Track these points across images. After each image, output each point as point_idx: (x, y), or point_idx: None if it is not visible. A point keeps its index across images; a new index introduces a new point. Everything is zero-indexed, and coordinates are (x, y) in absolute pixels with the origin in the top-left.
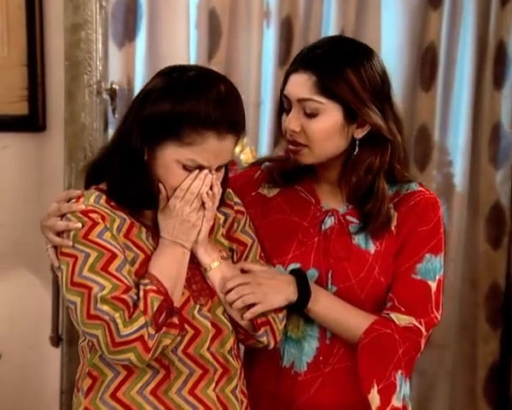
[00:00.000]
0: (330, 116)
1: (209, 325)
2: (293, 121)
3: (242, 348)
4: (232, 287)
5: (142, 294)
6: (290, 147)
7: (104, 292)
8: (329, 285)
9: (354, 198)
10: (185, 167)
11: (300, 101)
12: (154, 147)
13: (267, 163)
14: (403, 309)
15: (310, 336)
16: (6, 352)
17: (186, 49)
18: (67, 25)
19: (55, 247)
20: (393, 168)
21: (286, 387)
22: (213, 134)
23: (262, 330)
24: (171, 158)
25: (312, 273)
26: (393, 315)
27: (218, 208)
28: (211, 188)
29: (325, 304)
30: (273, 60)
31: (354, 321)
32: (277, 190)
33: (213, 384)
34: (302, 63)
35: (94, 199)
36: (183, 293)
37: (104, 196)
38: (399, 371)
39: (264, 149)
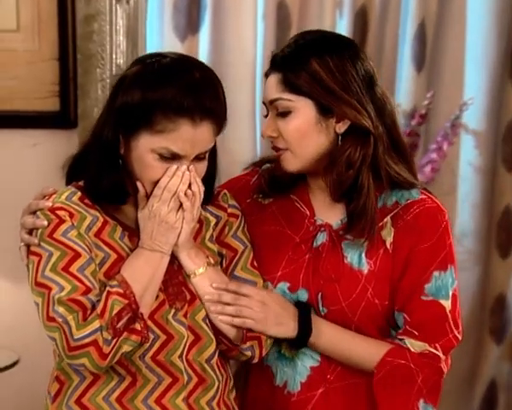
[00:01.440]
0: (302, 113)
1: (184, 330)
2: (268, 126)
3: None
4: (230, 289)
5: (104, 296)
6: (275, 154)
7: (62, 293)
8: (320, 307)
9: (338, 196)
10: (161, 158)
11: (272, 102)
12: (128, 138)
13: (267, 165)
14: (416, 333)
15: (303, 354)
16: (34, 358)
17: (252, 42)
18: (80, 16)
19: (29, 245)
20: (379, 162)
21: (279, 407)
22: (187, 121)
23: (248, 343)
24: (145, 148)
25: (302, 294)
26: (408, 341)
27: (209, 210)
28: (190, 187)
29: (329, 338)
30: None
31: (364, 353)
32: (272, 198)
33: (184, 394)
34: (271, 65)
35: (66, 196)
36: (157, 296)
37: (79, 194)
38: (421, 401)
39: None
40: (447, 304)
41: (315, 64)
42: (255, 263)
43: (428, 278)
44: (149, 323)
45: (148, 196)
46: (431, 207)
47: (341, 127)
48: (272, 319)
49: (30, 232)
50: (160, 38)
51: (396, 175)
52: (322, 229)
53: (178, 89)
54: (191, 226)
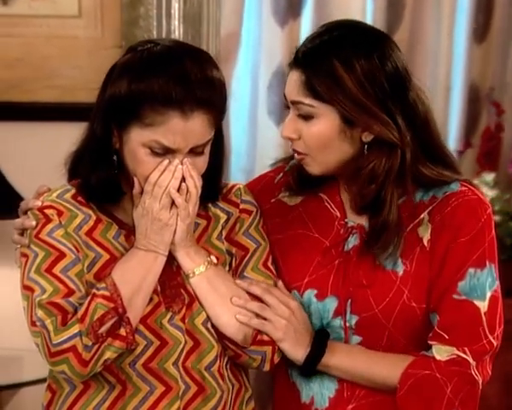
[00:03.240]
0: (325, 120)
1: (181, 335)
2: (287, 127)
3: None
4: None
5: (88, 299)
6: (295, 156)
7: (43, 296)
8: (348, 314)
9: (360, 209)
10: (153, 152)
11: (294, 103)
12: (120, 132)
13: (294, 162)
14: (446, 336)
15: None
16: None
17: None
18: (125, 0)
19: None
20: (405, 172)
21: None
22: (176, 113)
23: (260, 347)
24: (135, 142)
25: (330, 302)
26: (434, 348)
27: (219, 206)
28: (185, 181)
29: (344, 364)
30: (467, 36)
31: (384, 372)
32: (300, 198)
33: (178, 403)
34: (294, 59)
35: (58, 194)
36: (151, 298)
37: (73, 191)
38: None
39: (453, 143)
40: (482, 305)
41: (339, 68)
42: (269, 264)
43: (463, 275)
44: (142, 328)
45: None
46: (471, 199)
47: (367, 136)
48: (292, 334)
49: (22, 233)
50: (258, 24)
51: (426, 178)
52: (354, 231)
53: (166, 79)
54: (187, 223)
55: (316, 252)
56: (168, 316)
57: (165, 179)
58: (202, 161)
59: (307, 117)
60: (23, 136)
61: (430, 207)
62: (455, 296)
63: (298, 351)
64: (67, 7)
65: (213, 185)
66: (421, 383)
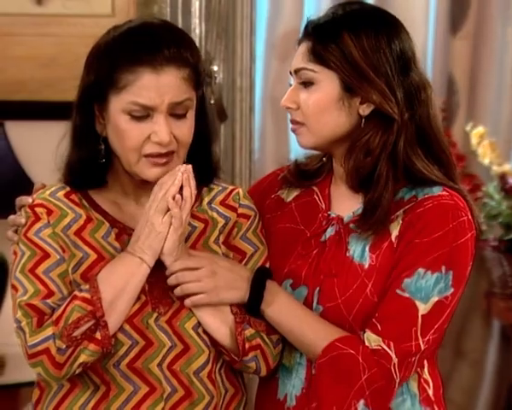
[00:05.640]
0: (325, 86)
1: (165, 338)
2: (287, 97)
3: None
4: (177, 270)
5: (67, 300)
6: (291, 127)
7: (24, 297)
8: (315, 304)
9: (355, 185)
10: (133, 117)
11: (297, 72)
12: (102, 111)
13: (299, 160)
14: (378, 327)
15: (299, 364)
16: None
17: (424, 21)
18: None
19: None
20: (398, 153)
21: None
22: (147, 69)
23: (251, 354)
24: (115, 111)
25: (302, 291)
26: (367, 334)
27: (217, 210)
28: (181, 191)
29: (280, 309)
30: None
31: (314, 335)
32: (295, 194)
33: (163, 405)
34: (303, 33)
35: (51, 191)
36: (139, 297)
37: (67, 189)
38: (361, 402)
39: None
40: (422, 307)
41: (347, 38)
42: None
43: (411, 273)
44: (127, 327)
45: (132, 165)
46: (446, 203)
47: (365, 109)
48: (223, 286)
49: (17, 230)
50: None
51: (416, 172)
52: (333, 223)
53: (134, 39)
54: (178, 233)
55: (298, 243)
56: (154, 316)
57: (166, 181)
58: (187, 127)
59: (308, 83)
60: (57, 135)
61: (407, 207)
62: (398, 291)
63: (239, 295)
64: (101, 6)
65: (205, 167)
66: (343, 358)
